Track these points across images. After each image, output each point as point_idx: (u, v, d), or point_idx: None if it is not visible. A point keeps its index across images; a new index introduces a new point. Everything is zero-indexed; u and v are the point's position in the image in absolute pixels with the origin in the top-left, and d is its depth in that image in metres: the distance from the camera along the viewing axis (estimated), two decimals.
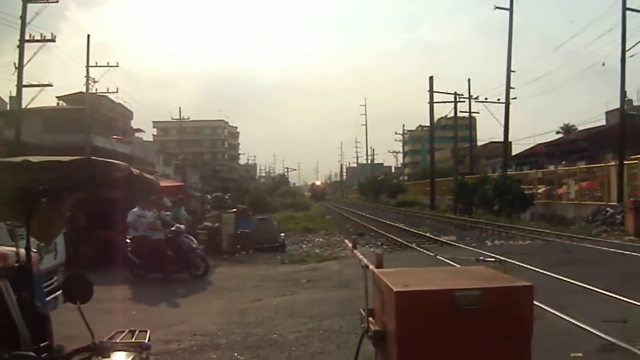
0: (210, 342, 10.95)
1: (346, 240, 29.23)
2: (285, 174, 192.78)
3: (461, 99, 66.61)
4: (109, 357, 3.88)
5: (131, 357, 4.26)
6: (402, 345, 3.94)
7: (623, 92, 39.57)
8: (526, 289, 4.23)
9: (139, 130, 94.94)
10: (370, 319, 4.77)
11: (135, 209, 19.45)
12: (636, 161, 36.41)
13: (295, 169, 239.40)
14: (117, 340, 4.77)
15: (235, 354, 10.11)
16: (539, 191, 48.44)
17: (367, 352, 9.86)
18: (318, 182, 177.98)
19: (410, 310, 3.93)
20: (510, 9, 52.79)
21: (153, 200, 20.39)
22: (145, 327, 5.42)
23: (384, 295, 4.30)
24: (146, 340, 4.93)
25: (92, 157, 4.97)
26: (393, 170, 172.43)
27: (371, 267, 4.98)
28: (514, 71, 53.72)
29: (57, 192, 5.43)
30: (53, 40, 43.43)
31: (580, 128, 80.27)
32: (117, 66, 53.04)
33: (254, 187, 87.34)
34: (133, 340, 4.98)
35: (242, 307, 14.58)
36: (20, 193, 5.04)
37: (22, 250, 6.52)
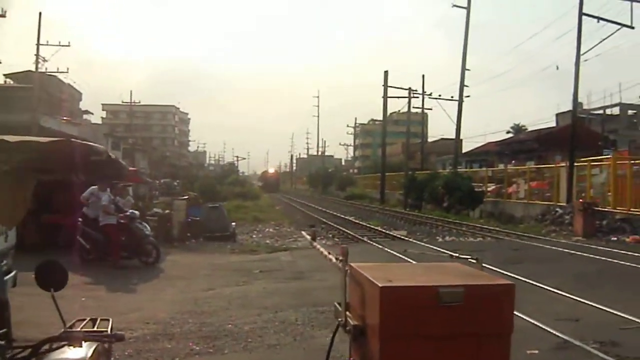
0: (164, 331, 10.81)
1: (303, 232, 29.17)
2: (235, 162, 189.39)
3: (415, 95, 66.95)
4: (81, 346, 3.76)
5: (93, 347, 4.13)
6: (385, 341, 3.90)
7: (576, 95, 39.94)
8: (508, 287, 4.24)
9: (87, 112, 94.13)
10: (347, 312, 4.70)
11: (94, 187, 19.18)
12: (585, 163, 36.91)
13: (245, 158, 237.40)
14: (79, 329, 4.61)
15: (191, 344, 9.97)
16: (489, 189, 48.87)
17: (324, 344, 9.88)
18: (271, 170, 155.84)
19: (395, 306, 3.90)
20: (468, 8, 53.08)
21: (113, 184, 20.11)
22: (96, 315, 5.28)
23: (365, 290, 4.24)
24: (109, 329, 4.82)
25: (72, 140, 4.82)
26: (343, 163, 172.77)
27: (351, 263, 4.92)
28: (468, 69, 54.14)
29: (23, 173, 5.26)
30: (3, 15, 42.74)
31: (530, 129, 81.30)
32: (69, 46, 52.42)
33: (205, 175, 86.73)
34: (95, 328, 4.85)
35: (195, 296, 14.47)
36: None
37: None
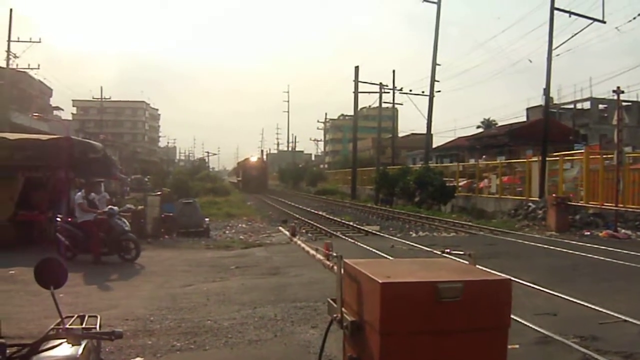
0: (144, 328, 10.71)
1: (281, 228, 29.00)
2: (206, 158, 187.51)
3: (386, 90, 67.07)
4: (79, 344, 3.74)
5: (84, 344, 4.09)
6: (385, 336, 3.91)
7: (548, 89, 40.22)
8: (505, 282, 4.27)
9: (57, 108, 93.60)
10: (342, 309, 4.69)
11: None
12: (557, 158, 37.19)
13: (215, 154, 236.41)
14: (68, 326, 4.56)
15: (171, 340, 9.91)
16: (460, 184, 49.05)
17: (305, 340, 9.89)
18: (254, 158, 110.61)
19: (395, 302, 3.91)
20: (438, 2, 53.26)
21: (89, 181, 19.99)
22: (75, 311, 5.22)
23: (362, 286, 4.24)
24: (97, 326, 4.79)
25: (71, 137, 4.79)
26: (313, 158, 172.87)
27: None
28: (439, 64, 54.35)
29: (10, 171, 5.21)
30: None
31: (500, 123, 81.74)
32: (40, 42, 52.17)
33: (177, 171, 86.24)
34: (83, 325, 4.80)
35: (173, 292, 14.36)
36: None
37: None
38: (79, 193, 19.13)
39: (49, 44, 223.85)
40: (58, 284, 4.09)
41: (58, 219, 19.05)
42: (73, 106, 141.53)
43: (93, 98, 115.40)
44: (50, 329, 4.13)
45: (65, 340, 3.67)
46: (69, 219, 19.01)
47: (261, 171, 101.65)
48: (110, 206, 19.83)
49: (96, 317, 5.09)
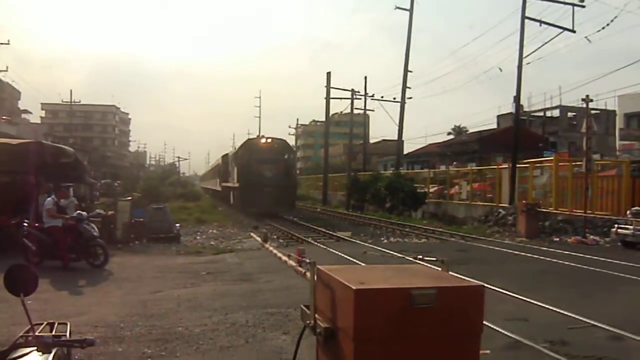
0: (114, 335, 10.61)
1: (253, 234, 28.81)
2: (176, 163, 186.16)
3: (357, 96, 67.12)
4: (49, 352, 3.69)
5: (53, 352, 4.03)
6: (359, 342, 3.91)
7: (519, 97, 40.45)
8: (478, 288, 4.28)
9: (26, 111, 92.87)
10: (316, 315, 4.68)
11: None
12: (527, 165, 37.44)
13: (186, 159, 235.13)
14: (38, 333, 4.50)
15: (142, 347, 9.83)
16: (431, 190, 49.15)
17: (277, 346, 9.86)
18: (264, 140, 51.99)
19: (369, 308, 3.91)
20: (411, 10, 53.49)
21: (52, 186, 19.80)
22: (44, 318, 5.14)
23: (336, 292, 4.24)
24: (67, 333, 4.73)
25: (42, 141, 4.74)
26: None
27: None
28: (411, 71, 54.47)
29: None
30: None
31: (471, 130, 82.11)
32: (8, 44, 51.82)
33: (147, 176, 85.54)
34: (53, 332, 4.74)
35: (143, 298, 14.24)
36: None
37: None
38: (49, 198, 18.93)
39: (17, 46, 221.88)
40: (28, 291, 4.04)
41: (25, 224, 18.85)
42: (42, 109, 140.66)
43: (62, 101, 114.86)
44: (19, 336, 4.07)
45: (35, 348, 3.62)
46: (37, 225, 18.82)
47: (283, 169, 50.12)
48: (78, 211, 19.64)
49: (66, 324, 5.03)
